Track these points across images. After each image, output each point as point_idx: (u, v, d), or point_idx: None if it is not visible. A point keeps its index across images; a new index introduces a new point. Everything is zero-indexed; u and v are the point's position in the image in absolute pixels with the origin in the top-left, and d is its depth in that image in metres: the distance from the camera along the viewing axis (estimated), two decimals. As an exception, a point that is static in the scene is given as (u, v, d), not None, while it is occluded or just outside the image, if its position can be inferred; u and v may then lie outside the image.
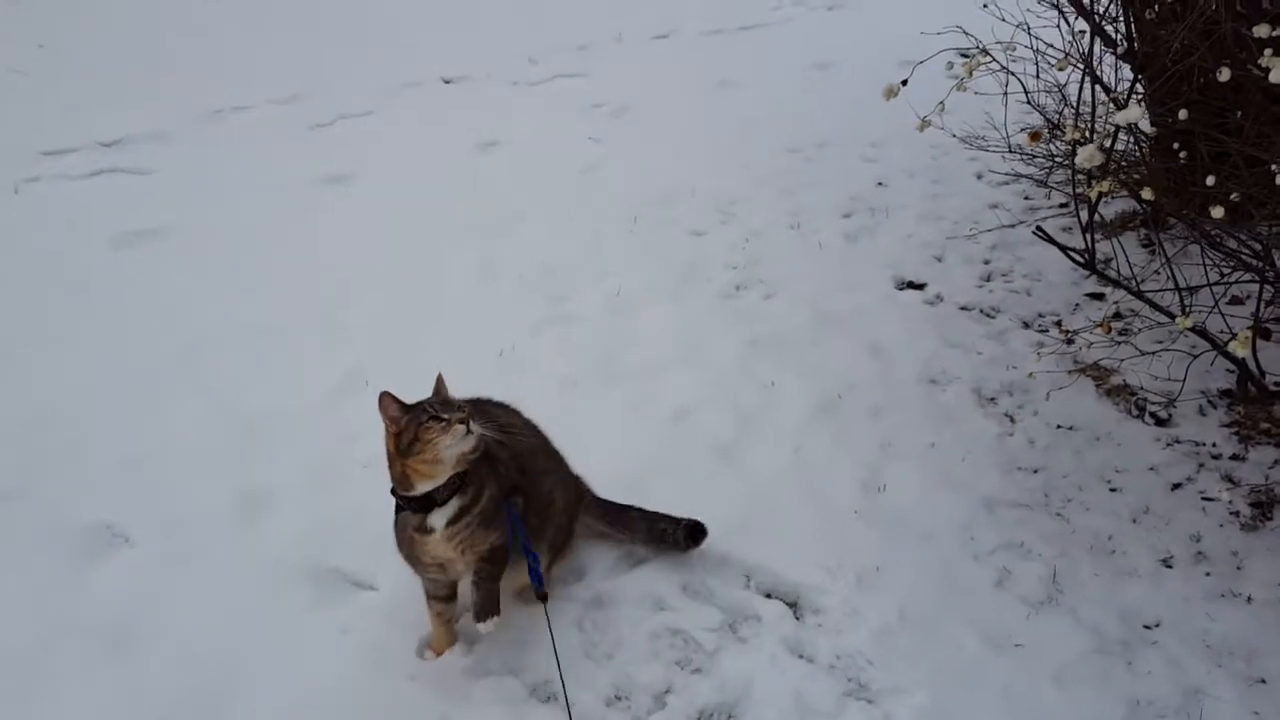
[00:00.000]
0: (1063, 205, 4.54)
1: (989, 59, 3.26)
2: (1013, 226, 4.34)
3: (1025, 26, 3.95)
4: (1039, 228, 3.24)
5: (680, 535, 2.63)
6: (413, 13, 7.74)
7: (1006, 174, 4.83)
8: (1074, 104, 3.81)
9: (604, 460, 2.96)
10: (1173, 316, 3.06)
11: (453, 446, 2.16)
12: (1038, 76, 3.73)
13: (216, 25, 7.17)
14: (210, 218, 4.55)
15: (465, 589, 2.43)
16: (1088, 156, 2.55)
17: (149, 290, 3.98)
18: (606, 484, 2.82)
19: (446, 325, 3.75)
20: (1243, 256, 3.18)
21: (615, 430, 3.16)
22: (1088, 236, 3.22)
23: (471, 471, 2.26)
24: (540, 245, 4.31)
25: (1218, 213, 2.44)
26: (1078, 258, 3.23)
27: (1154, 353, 3.17)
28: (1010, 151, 4.06)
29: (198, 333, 3.68)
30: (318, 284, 4.03)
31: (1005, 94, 3.63)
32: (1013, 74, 3.46)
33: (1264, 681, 2.26)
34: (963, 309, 3.82)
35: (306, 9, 7.59)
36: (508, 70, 6.57)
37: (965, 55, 3.38)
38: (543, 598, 2.32)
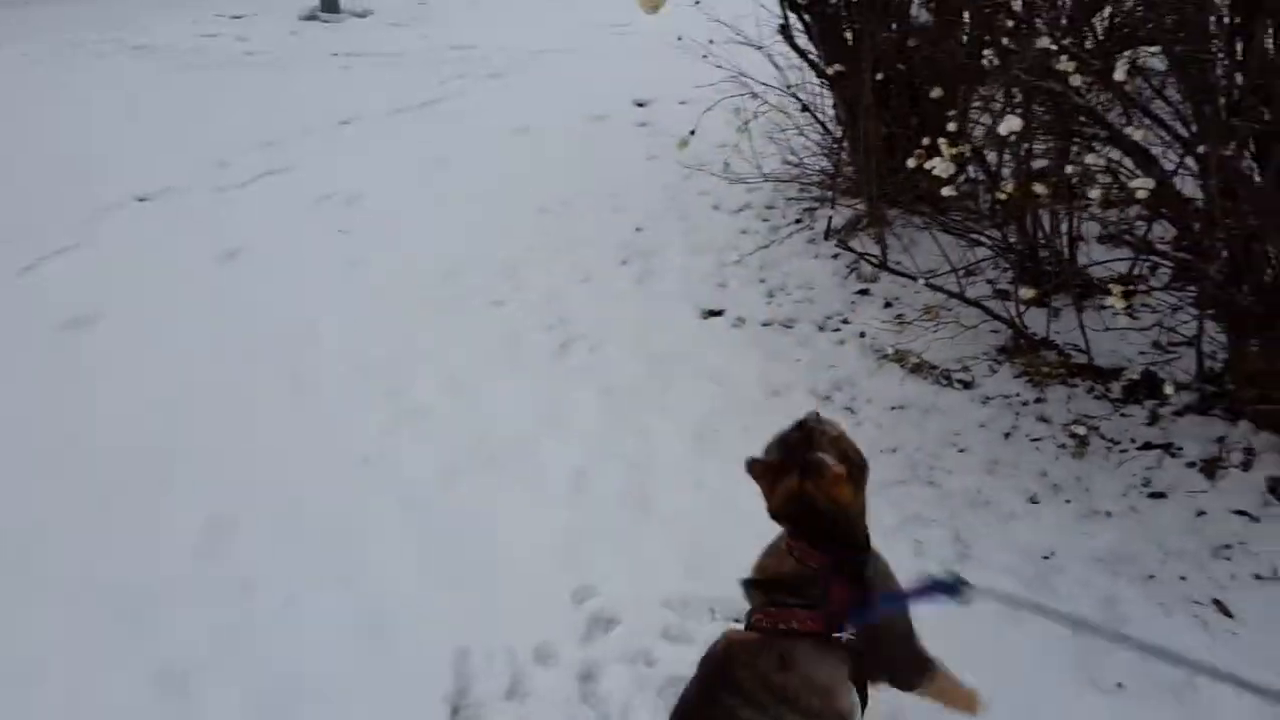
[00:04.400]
0: (797, 221, 5.12)
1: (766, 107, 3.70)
2: (767, 247, 4.82)
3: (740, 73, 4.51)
4: (840, 240, 3.70)
5: None
6: (64, 129, 7.07)
7: (741, 205, 5.38)
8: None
9: (530, 546, 3.02)
10: (964, 298, 3.66)
11: None
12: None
13: None
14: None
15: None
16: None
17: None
18: (551, 573, 2.89)
19: (287, 443, 3.54)
20: (976, 236, 3.85)
21: (523, 514, 3.17)
22: (876, 237, 3.73)
23: None
24: (344, 346, 4.16)
25: (948, 191, 2.91)
26: (873, 260, 3.73)
27: (934, 331, 3.74)
28: (766, 180, 4.54)
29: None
30: (128, 431, 3.63)
31: (746, 127, 4.08)
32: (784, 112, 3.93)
33: (1153, 577, 2.77)
34: (764, 325, 4.21)
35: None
36: (203, 177, 6.18)
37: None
38: None
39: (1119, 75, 2.22)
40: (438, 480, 3.34)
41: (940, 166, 2.61)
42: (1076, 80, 2.37)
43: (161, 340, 4.27)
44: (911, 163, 2.70)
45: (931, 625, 2.12)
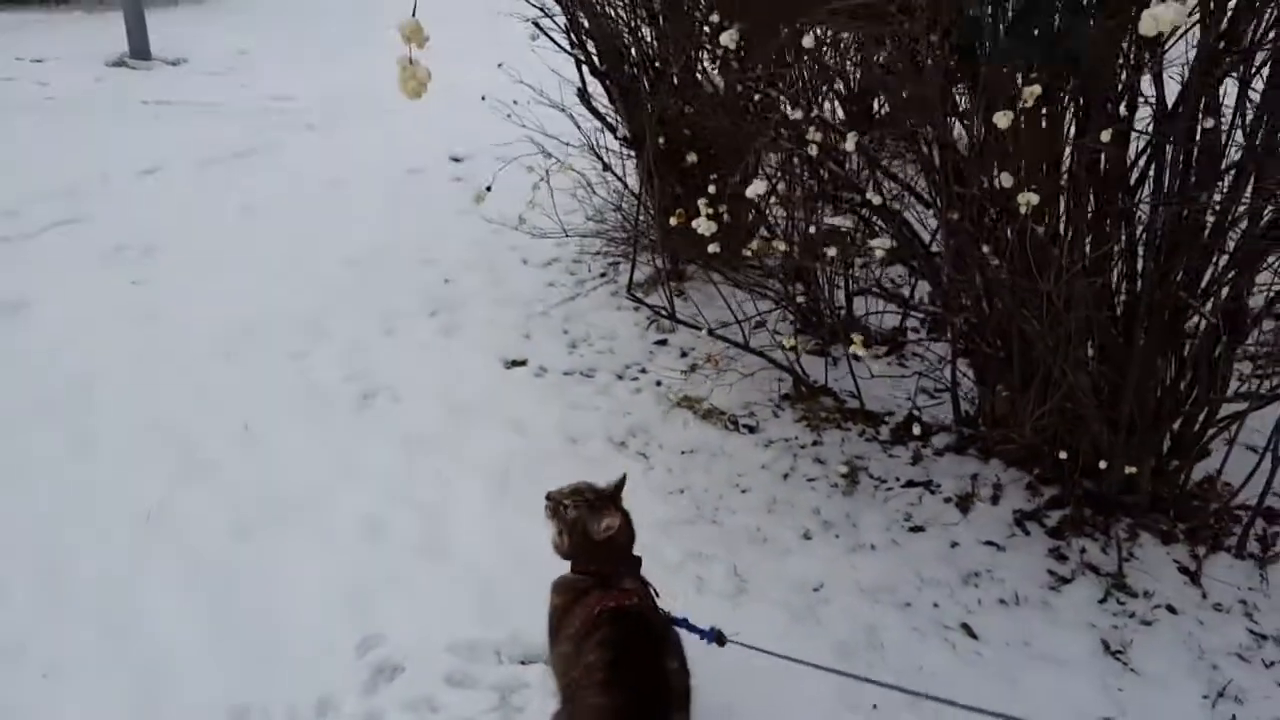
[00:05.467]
0: (602, 275, 5.29)
1: (560, 165, 3.87)
2: (572, 299, 4.97)
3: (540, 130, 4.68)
4: (632, 295, 3.86)
5: None
6: None
7: (549, 259, 5.51)
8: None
9: (316, 597, 3.00)
10: (748, 347, 3.89)
11: None
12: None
13: None
14: None
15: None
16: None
17: None
18: (336, 624, 2.88)
19: (62, 503, 3.40)
20: (762, 290, 4.12)
21: (311, 565, 3.14)
22: (665, 292, 3.93)
23: None
24: (130, 402, 4.00)
25: (713, 248, 3.17)
26: (663, 312, 3.92)
27: (717, 378, 3.95)
28: (568, 236, 4.69)
29: None
30: None
31: (546, 182, 4.22)
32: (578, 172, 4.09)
33: (910, 604, 3.00)
34: (566, 374, 4.32)
35: None
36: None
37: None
38: None
39: (849, 146, 2.47)
40: (225, 535, 3.26)
41: (702, 225, 2.84)
42: (814, 149, 2.63)
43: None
44: (674, 221, 2.92)
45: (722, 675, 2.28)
